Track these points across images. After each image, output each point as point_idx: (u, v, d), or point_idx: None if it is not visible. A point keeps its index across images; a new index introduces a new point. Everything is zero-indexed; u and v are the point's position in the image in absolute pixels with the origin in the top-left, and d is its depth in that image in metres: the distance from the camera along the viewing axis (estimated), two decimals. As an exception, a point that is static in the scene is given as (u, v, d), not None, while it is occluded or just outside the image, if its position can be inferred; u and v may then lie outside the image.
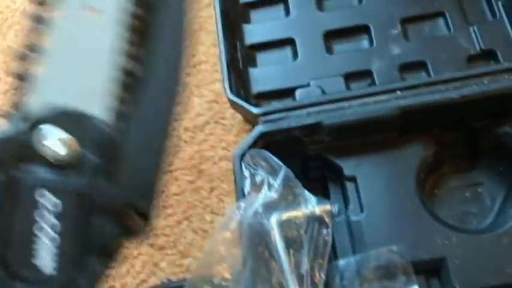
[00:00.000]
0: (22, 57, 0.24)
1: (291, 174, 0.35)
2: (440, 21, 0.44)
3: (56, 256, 0.22)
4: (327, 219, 0.36)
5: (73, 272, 0.22)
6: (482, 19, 0.43)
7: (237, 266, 0.31)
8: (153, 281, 0.39)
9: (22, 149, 0.22)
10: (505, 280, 0.32)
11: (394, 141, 0.37)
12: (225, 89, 0.38)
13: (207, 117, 0.45)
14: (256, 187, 0.34)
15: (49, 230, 0.22)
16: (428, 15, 0.44)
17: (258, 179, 0.35)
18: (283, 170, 0.34)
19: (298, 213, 0.35)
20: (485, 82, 0.36)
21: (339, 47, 0.45)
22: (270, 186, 0.34)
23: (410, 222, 0.35)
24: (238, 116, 0.45)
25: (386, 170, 0.36)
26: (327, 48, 0.44)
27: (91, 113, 0.23)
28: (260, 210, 0.34)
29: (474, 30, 0.43)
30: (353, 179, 0.37)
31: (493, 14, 0.43)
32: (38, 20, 0.25)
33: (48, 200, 0.22)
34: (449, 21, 0.43)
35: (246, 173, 0.35)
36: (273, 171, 0.35)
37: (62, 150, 0.22)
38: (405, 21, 0.44)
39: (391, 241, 0.34)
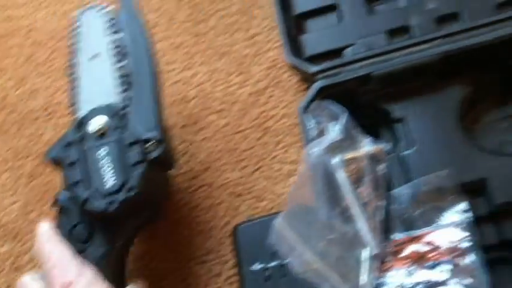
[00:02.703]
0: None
1: (350, 119, 0.41)
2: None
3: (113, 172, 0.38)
4: (381, 157, 0.42)
5: (126, 175, 0.38)
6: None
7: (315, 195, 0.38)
8: (236, 221, 0.47)
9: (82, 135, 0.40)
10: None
11: (436, 85, 0.43)
12: (285, 54, 0.44)
13: (267, 82, 0.52)
14: (320, 132, 0.41)
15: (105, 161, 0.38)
16: (459, -30, 0.49)
17: (322, 126, 0.41)
18: (345, 115, 0.40)
19: (358, 153, 0.42)
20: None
21: (379, 7, 0.49)
22: (332, 130, 0.40)
23: (454, 151, 0.40)
24: (293, 79, 0.51)
25: (430, 109, 0.42)
26: (369, 9, 0.49)
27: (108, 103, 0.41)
28: (327, 151, 0.40)
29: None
30: (401, 120, 0.42)
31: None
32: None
33: (102, 148, 0.39)
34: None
35: (311, 122, 0.41)
36: (334, 118, 0.41)
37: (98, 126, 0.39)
38: (438, -22, 0.49)
39: (438, 169, 0.40)
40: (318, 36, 0.49)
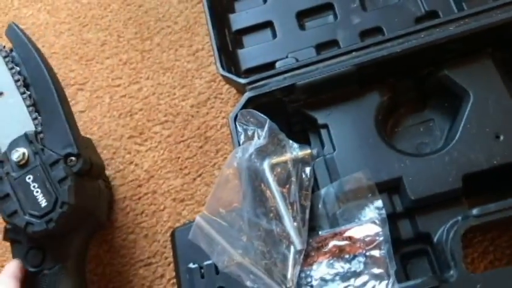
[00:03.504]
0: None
1: (275, 126, 0.44)
2: (392, -9, 0.53)
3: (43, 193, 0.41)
4: (308, 160, 0.46)
5: (55, 192, 0.41)
6: (425, -14, 0.52)
7: (239, 196, 0.41)
8: (179, 225, 0.49)
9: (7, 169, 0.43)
10: (447, 187, 0.41)
11: (356, 93, 0.46)
12: (217, 68, 0.48)
13: (208, 94, 0.55)
14: (248, 138, 0.44)
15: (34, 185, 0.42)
16: (382, -13, 0.53)
17: (250, 132, 0.44)
18: (268, 123, 0.44)
19: (285, 157, 0.45)
20: (422, 36, 0.45)
21: (309, 23, 0.54)
22: (259, 136, 0.44)
23: (373, 153, 0.44)
24: (233, 91, 0.55)
25: (351, 115, 0.46)
26: (300, 26, 0.53)
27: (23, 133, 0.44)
28: (254, 155, 0.44)
29: (420, -4, 0.51)
30: (325, 126, 0.46)
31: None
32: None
33: (28, 175, 0.42)
34: (399, -10, 0.52)
35: (240, 129, 0.45)
36: (260, 125, 0.44)
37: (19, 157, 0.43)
38: (363, -5, 0.53)
39: (358, 170, 0.43)
40: (254, 51, 0.53)
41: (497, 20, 0.44)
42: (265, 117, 0.44)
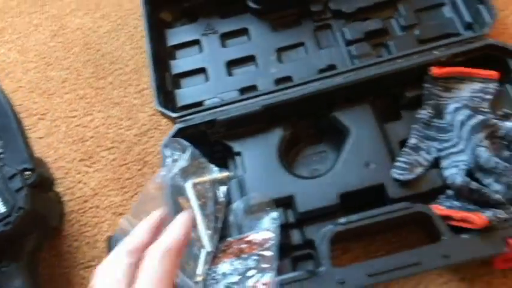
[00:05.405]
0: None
1: (197, 152, 0.55)
2: (301, 48, 0.65)
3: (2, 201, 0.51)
4: (225, 181, 0.56)
5: (13, 200, 0.50)
6: (328, 45, 0.64)
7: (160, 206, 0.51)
8: (116, 234, 0.59)
9: None
10: (327, 203, 0.52)
11: (264, 128, 0.57)
12: (155, 103, 0.58)
13: (149, 126, 0.65)
14: (174, 161, 0.54)
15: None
16: (294, 45, 0.65)
17: (176, 156, 0.55)
18: (190, 148, 0.54)
19: (205, 178, 0.55)
20: (318, 84, 0.57)
21: (236, 71, 0.65)
22: (180, 160, 0.54)
23: (274, 176, 0.55)
24: (170, 123, 0.65)
25: (260, 146, 0.57)
26: (228, 73, 0.65)
27: None
28: (178, 175, 0.54)
29: (323, 52, 0.64)
30: (239, 154, 0.57)
31: (335, 41, 0.64)
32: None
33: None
34: (307, 47, 0.64)
35: (169, 154, 0.55)
36: (185, 151, 0.55)
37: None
38: (279, 50, 0.65)
39: (262, 189, 0.54)
40: (189, 91, 0.64)
41: (374, 74, 0.57)
42: (189, 144, 0.54)
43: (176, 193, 0.53)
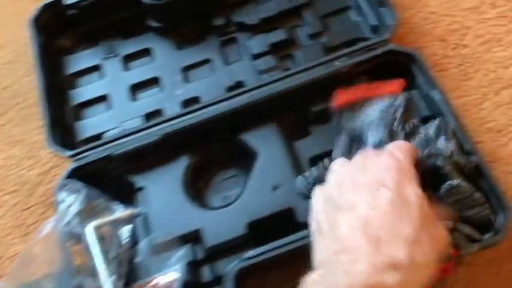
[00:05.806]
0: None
1: (93, 192, 0.51)
2: (207, 65, 0.61)
3: None
4: (130, 219, 0.52)
5: None
6: (235, 60, 0.61)
7: (52, 264, 0.47)
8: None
9: None
10: (235, 234, 0.49)
11: (168, 157, 0.54)
12: (46, 142, 0.54)
13: (52, 164, 0.61)
14: (69, 205, 0.50)
15: None
16: (200, 62, 0.61)
17: (71, 199, 0.51)
18: (84, 190, 0.50)
19: (106, 219, 0.52)
20: (222, 105, 0.53)
21: (140, 95, 0.61)
22: (76, 203, 0.50)
23: (179, 210, 0.51)
24: (75, 158, 0.61)
25: (164, 178, 0.53)
26: (132, 98, 0.61)
27: None
28: (75, 220, 0.50)
29: (230, 68, 0.60)
30: (143, 188, 0.53)
31: (242, 55, 0.61)
32: None
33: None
34: (214, 64, 0.61)
35: (64, 197, 0.51)
36: (79, 192, 0.51)
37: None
38: (185, 69, 0.61)
39: (168, 225, 0.50)
40: (91, 122, 0.60)
41: (279, 90, 0.54)
42: (83, 185, 0.50)
43: (73, 242, 0.49)
